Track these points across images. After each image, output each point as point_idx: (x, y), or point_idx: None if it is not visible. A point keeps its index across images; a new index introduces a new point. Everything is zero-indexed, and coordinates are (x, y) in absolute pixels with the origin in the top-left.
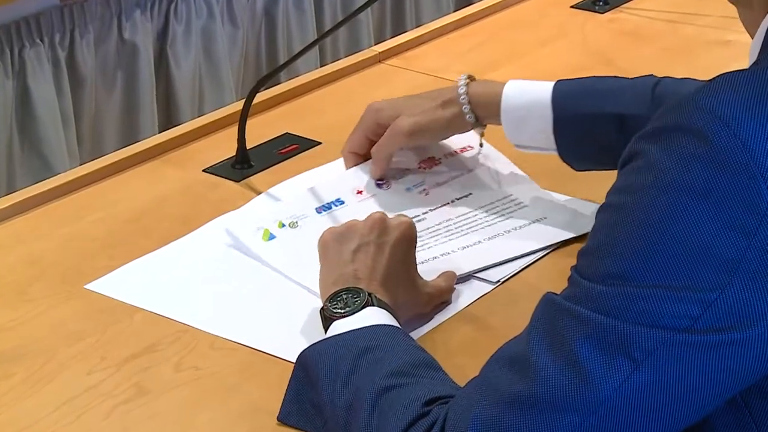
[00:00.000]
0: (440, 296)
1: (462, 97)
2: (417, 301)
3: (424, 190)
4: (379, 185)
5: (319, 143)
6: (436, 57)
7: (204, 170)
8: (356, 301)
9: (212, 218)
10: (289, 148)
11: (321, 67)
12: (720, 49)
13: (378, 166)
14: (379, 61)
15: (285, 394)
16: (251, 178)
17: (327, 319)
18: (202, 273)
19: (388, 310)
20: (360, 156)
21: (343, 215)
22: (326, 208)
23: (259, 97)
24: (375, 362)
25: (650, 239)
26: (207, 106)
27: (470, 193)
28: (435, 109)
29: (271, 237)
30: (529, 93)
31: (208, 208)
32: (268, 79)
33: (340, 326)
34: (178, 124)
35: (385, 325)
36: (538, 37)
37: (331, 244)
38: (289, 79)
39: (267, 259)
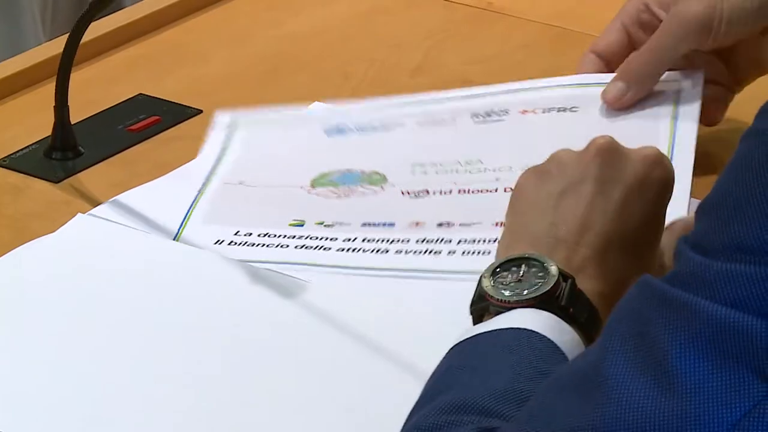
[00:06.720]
0: None
1: None
2: None
3: None
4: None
5: (199, 111)
6: None
7: None
8: (535, 285)
9: (11, 248)
10: (146, 121)
11: None
12: None
13: (639, 88)
14: None
15: None
16: (79, 175)
17: (477, 301)
18: (4, 349)
19: (563, 314)
20: (606, 61)
21: None
22: None
23: (91, 32)
24: (458, 387)
25: None
26: None
27: None
28: None
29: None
30: None
31: (4, 229)
32: (106, 2)
33: (480, 325)
34: None
35: (515, 329)
36: None
37: (527, 187)
38: None
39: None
